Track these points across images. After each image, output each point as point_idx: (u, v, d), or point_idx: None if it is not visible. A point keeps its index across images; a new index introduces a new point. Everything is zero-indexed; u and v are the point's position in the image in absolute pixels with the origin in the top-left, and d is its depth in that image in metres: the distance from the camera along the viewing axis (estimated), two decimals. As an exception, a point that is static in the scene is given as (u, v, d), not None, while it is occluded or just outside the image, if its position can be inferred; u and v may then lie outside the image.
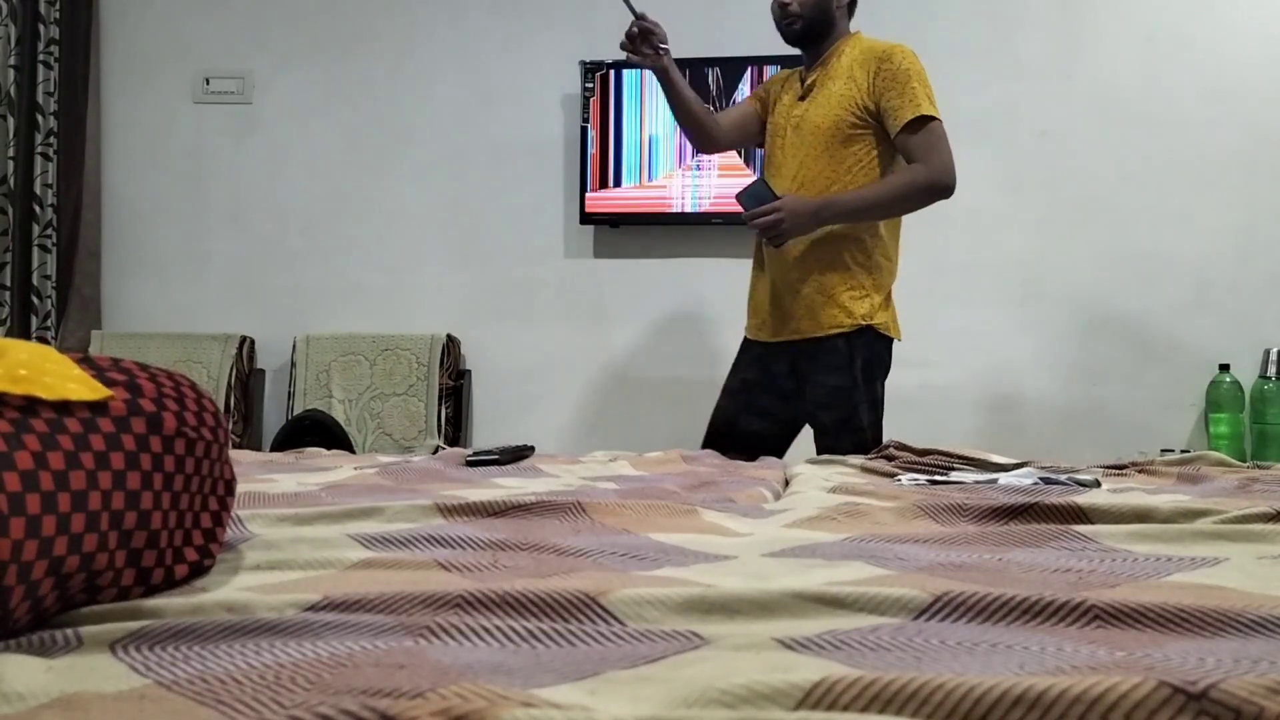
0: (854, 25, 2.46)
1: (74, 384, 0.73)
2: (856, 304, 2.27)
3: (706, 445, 2.37)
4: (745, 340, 2.49)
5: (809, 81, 2.33)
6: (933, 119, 2.20)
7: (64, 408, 0.71)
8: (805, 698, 0.51)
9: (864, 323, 2.27)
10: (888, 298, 2.35)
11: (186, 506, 0.80)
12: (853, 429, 2.26)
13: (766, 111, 2.46)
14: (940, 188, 2.22)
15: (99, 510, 0.70)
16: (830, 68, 2.31)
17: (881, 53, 2.25)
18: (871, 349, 2.30)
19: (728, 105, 3.58)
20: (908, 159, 2.23)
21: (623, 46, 2.31)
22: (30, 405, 0.69)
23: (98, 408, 0.74)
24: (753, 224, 2.18)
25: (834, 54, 2.32)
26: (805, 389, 2.33)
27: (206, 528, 0.83)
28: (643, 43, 2.29)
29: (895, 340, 2.36)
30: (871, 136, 2.26)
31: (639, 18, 2.29)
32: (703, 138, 2.48)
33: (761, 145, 2.54)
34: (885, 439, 2.09)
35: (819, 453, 2.25)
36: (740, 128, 2.49)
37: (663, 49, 2.31)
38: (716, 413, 2.46)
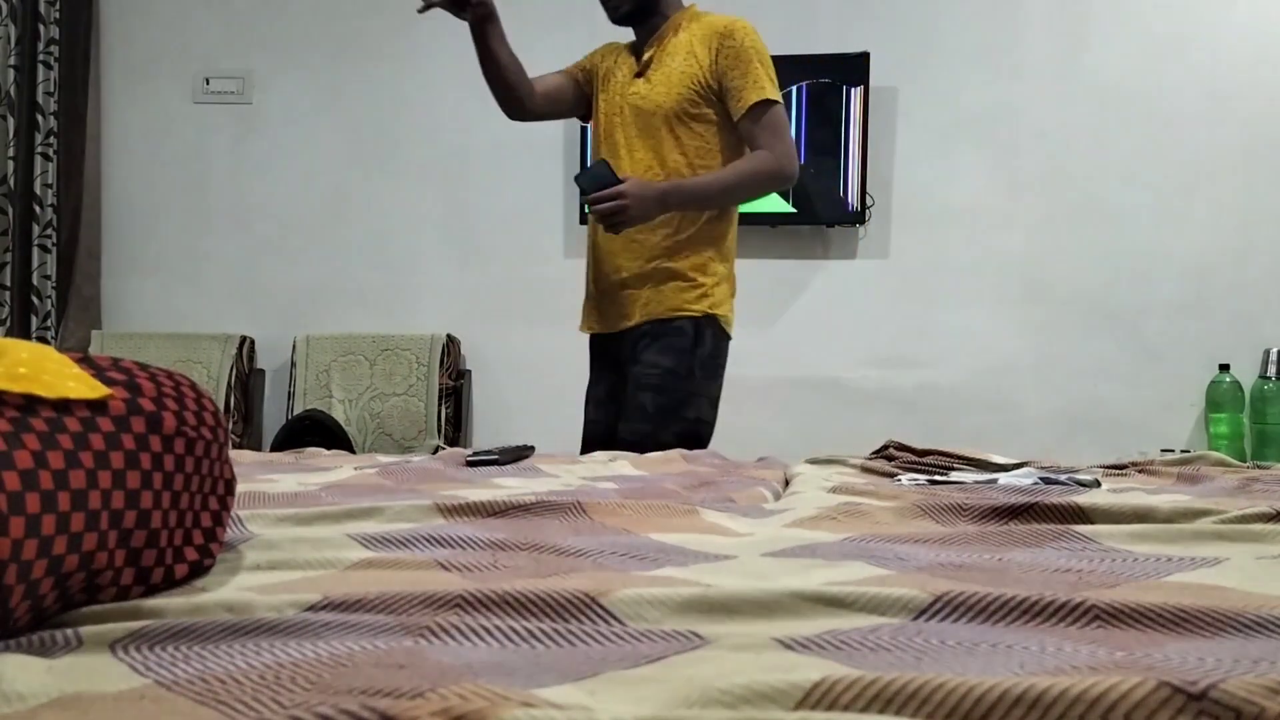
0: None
1: (73, 383, 0.73)
2: (707, 291, 2.19)
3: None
4: (591, 339, 2.36)
5: (645, 58, 2.21)
6: (775, 103, 2.13)
7: (63, 407, 0.71)
8: (805, 698, 0.51)
9: (711, 311, 2.19)
10: (733, 290, 2.28)
11: (186, 506, 0.80)
12: (681, 419, 2.17)
13: (589, 85, 2.33)
14: (785, 175, 2.16)
15: (98, 509, 0.70)
16: (667, 44, 2.19)
17: (723, 29, 2.15)
18: (715, 342, 2.22)
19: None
20: (751, 144, 2.16)
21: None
22: (30, 404, 0.69)
23: (97, 407, 0.74)
24: (595, 209, 2.06)
25: (670, 28, 2.21)
26: (631, 370, 2.20)
27: (206, 527, 0.83)
28: None
29: (730, 339, 2.28)
30: (714, 116, 2.17)
31: None
32: (513, 104, 2.30)
33: (580, 118, 2.42)
34: (885, 440, 2.08)
35: (619, 438, 2.14)
36: (553, 99, 2.33)
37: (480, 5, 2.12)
38: (589, 427, 2.33)
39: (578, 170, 3.52)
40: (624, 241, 2.20)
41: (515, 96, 2.29)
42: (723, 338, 2.26)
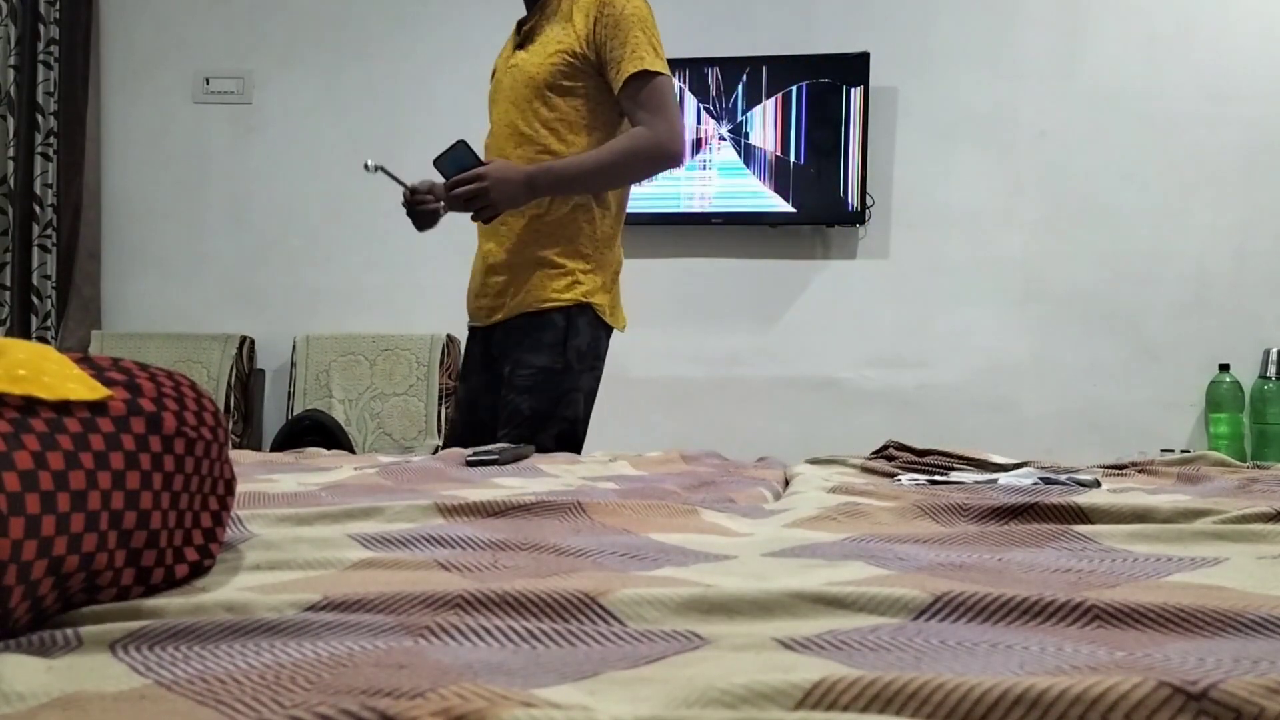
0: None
1: (73, 383, 0.73)
2: (577, 278, 2.04)
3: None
4: (469, 331, 2.22)
5: (527, 28, 2.09)
6: (658, 74, 1.95)
7: (63, 407, 0.71)
8: (805, 698, 0.51)
9: (584, 300, 2.04)
10: (614, 279, 2.13)
11: (186, 506, 0.80)
12: (560, 420, 2.02)
13: None
14: (667, 155, 1.97)
15: (98, 510, 0.70)
16: (549, 10, 2.06)
17: None
18: (592, 332, 2.06)
19: (728, 104, 3.58)
20: (632, 121, 1.99)
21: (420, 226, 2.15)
22: (30, 405, 0.69)
23: (97, 407, 0.74)
24: (454, 194, 1.92)
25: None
26: (501, 372, 2.08)
27: (206, 527, 0.83)
28: (423, 209, 2.13)
29: (617, 330, 2.14)
30: (586, 89, 2.01)
31: (411, 192, 2.13)
32: None
33: None
34: (885, 440, 2.07)
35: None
36: None
37: (437, 210, 2.15)
38: (450, 427, 2.23)
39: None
40: (492, 227, 2.07)
41: None
42: (600, 328, 2.09)
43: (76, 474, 0.69)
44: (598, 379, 2.13)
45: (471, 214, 1.98)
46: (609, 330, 2.13)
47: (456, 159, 1.92)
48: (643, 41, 1.95)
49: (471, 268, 2.23)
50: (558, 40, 2.01)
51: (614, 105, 2.03)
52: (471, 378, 2.20)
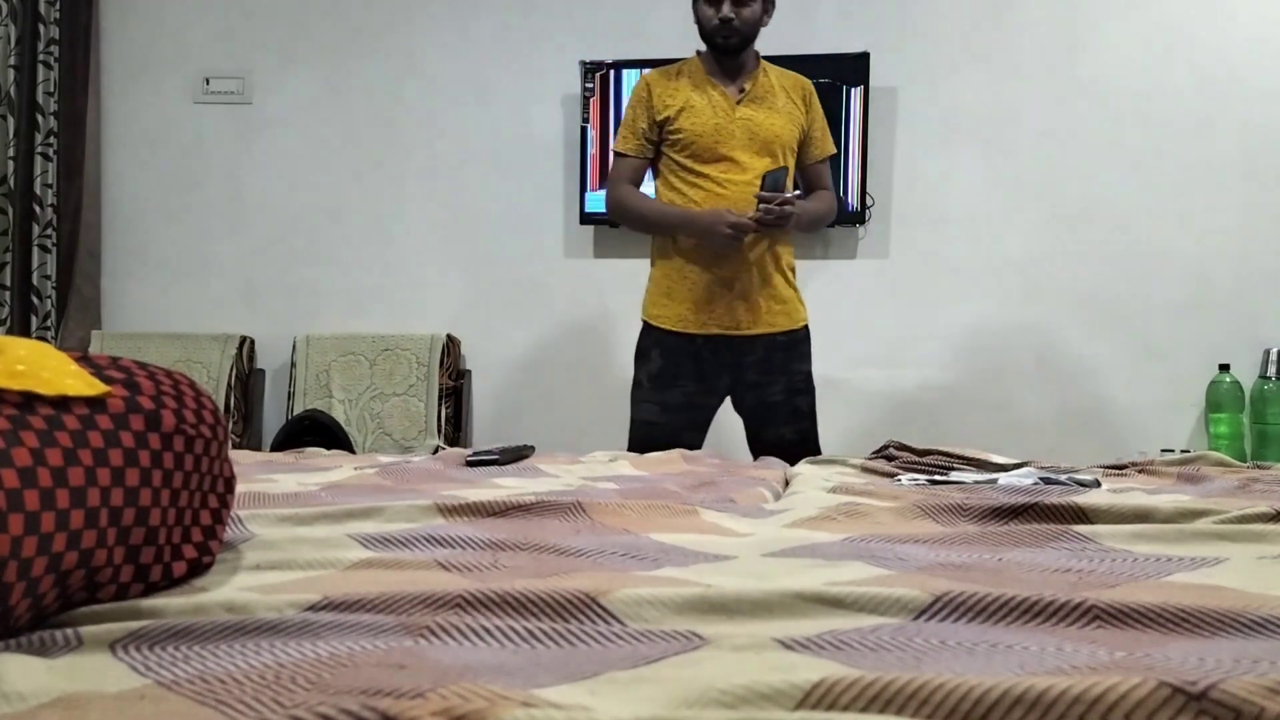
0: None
1: (72, 379, 0.73)
2: (802, 302, 2.56)
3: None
4: (674, 336, 2.45)
5: (746, 89, 2.48)
6: None
7: (62, 404, 0.71)
8: (805, 698, 0.50)
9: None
10: None
11: (186, 504, 0.80)
12: (814, 412, 2.52)
13: (657, 133, 2.49)
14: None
15: (97, 507, 0.70)
16: (761, 82, 2.49)
17: (806, 86, 2.56)
18: None
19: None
20: (818, 185, 2.59)
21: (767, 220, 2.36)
22: (28, 401, 0.69)
23: (96, 404, 0.74)
24: (773, 207, 2.29)
25: (760, 70, 2.51)
26: (773, 380, 2.47)
27: (206, 525, 0.83)
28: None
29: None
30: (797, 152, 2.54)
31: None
32: None
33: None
34: (885, 440, 2.08)
35: (782, 440, 2.38)
36: (643, 176, 2.60)
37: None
38: (653, 430, 2.38)
39: (580, 170, 3.53)
40: (748, 252, 2.41)
41: None
42: None
43: (75, 471, 0.69)
44: None
45: (760, 226, 2.33)
46: None
47: (777, 180, 2.33)
48: (828, 129, 2.60)
49: (692, 282, 2.44)
50: (790, 113, 2.50)
51: None
52: (696, 382, 2.47)
